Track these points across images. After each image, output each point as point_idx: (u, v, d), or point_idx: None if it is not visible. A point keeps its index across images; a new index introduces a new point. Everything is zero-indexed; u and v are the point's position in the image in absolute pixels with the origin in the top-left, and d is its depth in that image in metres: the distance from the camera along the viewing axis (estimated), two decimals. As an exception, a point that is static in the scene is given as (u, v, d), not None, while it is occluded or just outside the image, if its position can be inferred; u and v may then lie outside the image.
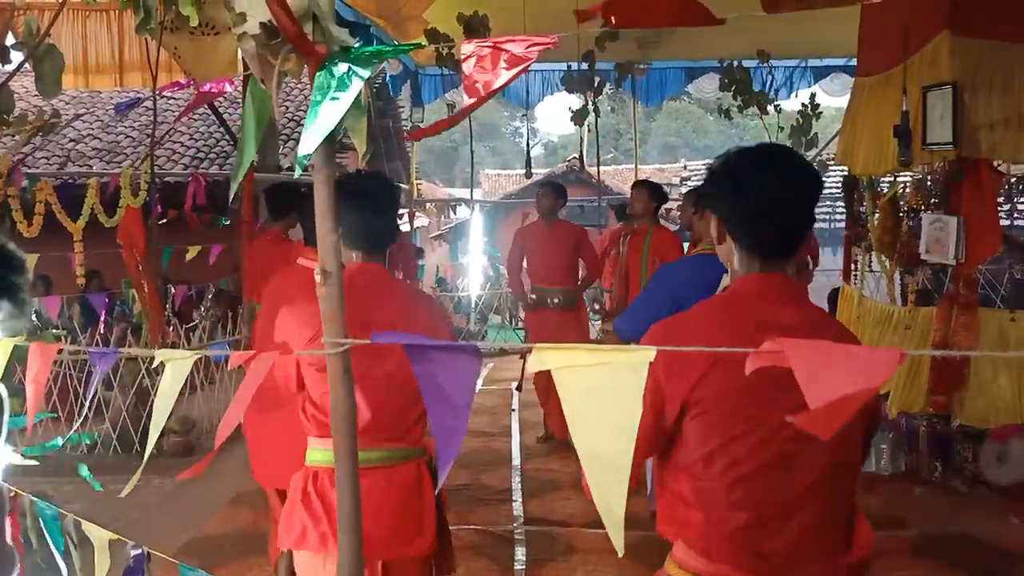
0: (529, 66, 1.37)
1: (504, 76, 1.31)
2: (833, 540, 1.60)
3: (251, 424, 3.32)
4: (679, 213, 5.11)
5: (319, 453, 2.21)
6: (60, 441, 5.76)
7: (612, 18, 1.36)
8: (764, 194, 1.59)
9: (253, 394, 1.53)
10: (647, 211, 5.34)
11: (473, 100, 1.38)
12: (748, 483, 1.51)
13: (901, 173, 5.18)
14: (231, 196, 2.20)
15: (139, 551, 2.09)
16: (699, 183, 15.76)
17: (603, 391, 1.17)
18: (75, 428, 5.51)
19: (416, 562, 2.27)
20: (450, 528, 2.38)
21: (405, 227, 10.38)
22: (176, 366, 1.49)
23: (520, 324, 11.43)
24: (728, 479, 1.52)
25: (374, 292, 2.26)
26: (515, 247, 6.20)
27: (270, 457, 3.17)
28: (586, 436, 1.20)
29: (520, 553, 4.15)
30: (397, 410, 2.22)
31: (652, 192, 5.44)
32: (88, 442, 5.85)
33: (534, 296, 6.03)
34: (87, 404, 5.26)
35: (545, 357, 1.21)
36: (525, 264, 6.19)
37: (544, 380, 5.38)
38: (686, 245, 4.83)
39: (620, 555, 1.15)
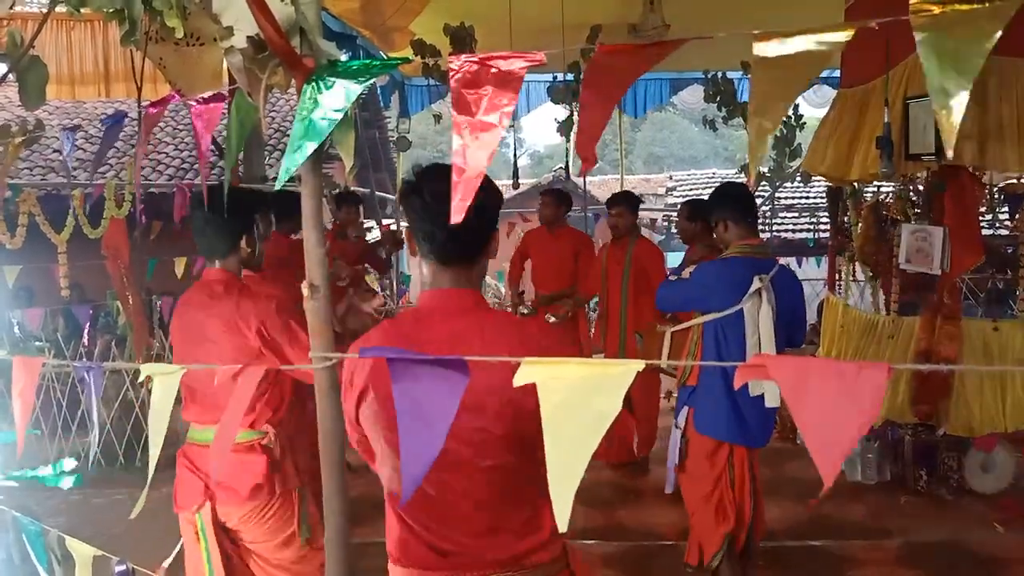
0: (517, 89, 1.35)
1: (495, 116, 1.27)
2: (515, 526, 1.59)
3: None
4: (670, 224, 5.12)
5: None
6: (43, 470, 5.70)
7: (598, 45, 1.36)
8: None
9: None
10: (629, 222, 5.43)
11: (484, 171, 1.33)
12: (421, 489, 1.50)
13: (884, 183, 5.21)
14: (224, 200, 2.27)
15: (123, 567, 2.07)
16: (690, 193, 15.82)
17: (583, 398, 1.17)
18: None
19: (254, 517, 2.59)
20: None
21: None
22: (164, 381, 1.48)
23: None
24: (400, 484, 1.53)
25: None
26: (518, 251, 6.23)
27: None
28: (556, 435, 1.19)
29: (508, 565, 4.12)
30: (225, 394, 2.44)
31: (632, 204, 5.52)
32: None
33: (530, 301, 6.00)
34: (75, 420, 5.19)
35: (533, 371, 1.20)
36: (529, 269, 6.18)
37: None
38: (680, 255, 4.89)
39: (562, 530, 1.14)
